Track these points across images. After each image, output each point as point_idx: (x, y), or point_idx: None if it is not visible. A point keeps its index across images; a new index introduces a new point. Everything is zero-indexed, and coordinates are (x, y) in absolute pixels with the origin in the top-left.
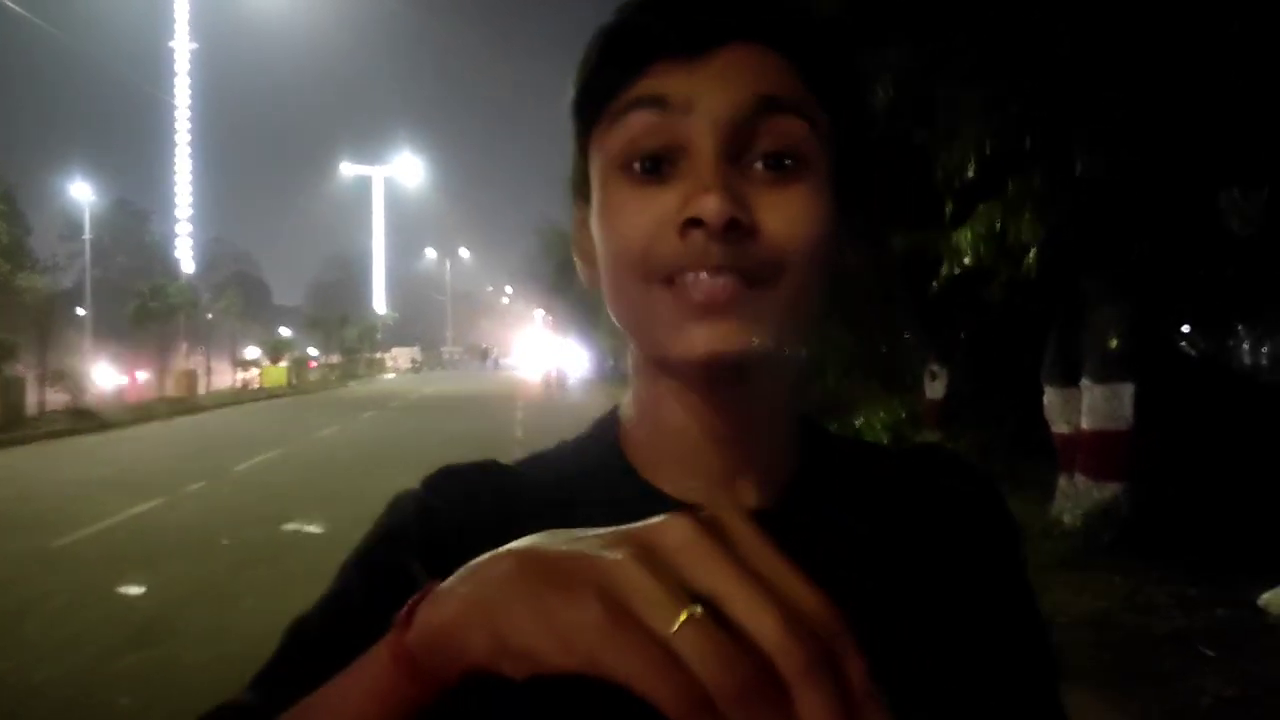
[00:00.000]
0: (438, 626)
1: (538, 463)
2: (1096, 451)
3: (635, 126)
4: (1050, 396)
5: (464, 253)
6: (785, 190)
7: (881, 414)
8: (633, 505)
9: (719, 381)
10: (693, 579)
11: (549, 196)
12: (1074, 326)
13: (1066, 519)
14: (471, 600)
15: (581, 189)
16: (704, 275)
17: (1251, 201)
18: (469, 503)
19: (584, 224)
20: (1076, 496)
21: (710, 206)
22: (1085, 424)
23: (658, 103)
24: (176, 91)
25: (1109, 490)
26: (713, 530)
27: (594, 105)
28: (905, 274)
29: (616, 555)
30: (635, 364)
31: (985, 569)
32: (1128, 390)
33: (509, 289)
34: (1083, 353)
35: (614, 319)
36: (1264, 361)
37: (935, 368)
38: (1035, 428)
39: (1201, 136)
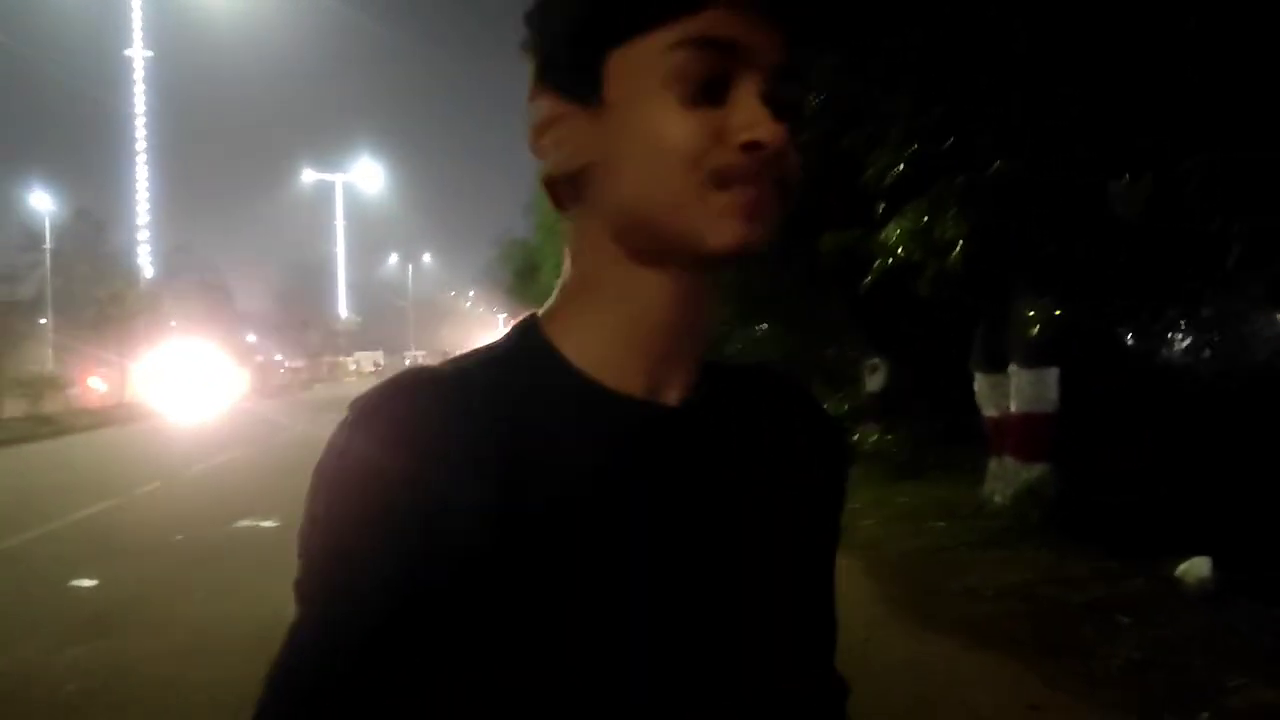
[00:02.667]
0: None
1: (469, 374)
2: (1024, 434)
3: (699, 59)
4: (979, 383)
5: (426, 258)
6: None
7: (826, 407)
8: (575, 396)
9: (713, 269)
10: None
11: (510, 202)
12: (1001, 315)
13: (997, 499)
14: None
15: (571, 81)
16: (751, 188)
17: (1138, 188)
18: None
19: (567, 120)
20: (1006, 477)
21: (773, 133)
22: (1013, 407)
23: (722, 46)
24: (134, 100)
25: (1036, 471)
26: None
27: (629, 25)
28: (838, 272)
29: None
30: (599, 259)
31: (822, 475)
32: (1053, 374)
33: (471, 293)
34: (1009, 340)
35: (630, 204)
36: (1205, 356)
37: (875, 361)
38: (970, 414)
39: (1093, 131)
